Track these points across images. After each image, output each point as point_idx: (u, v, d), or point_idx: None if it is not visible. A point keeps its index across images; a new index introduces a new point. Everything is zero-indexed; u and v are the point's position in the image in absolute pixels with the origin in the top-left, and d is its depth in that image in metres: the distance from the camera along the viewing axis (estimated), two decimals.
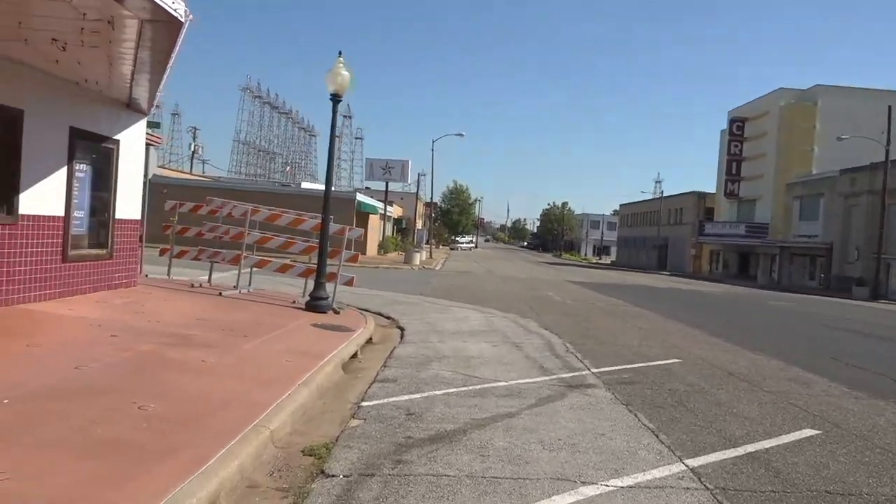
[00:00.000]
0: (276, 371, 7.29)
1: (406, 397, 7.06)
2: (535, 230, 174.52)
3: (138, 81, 9.42)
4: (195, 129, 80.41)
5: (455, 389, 7.55)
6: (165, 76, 8.98)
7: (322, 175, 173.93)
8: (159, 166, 52.75)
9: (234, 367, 7.22)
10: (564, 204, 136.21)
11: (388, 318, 13.98)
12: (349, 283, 13.56)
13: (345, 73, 12.69)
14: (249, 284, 15.41)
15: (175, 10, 5.91)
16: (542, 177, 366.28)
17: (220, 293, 13.16)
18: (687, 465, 5.32)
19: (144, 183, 16.99)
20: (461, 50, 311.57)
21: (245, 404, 5.75)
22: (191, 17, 6.19)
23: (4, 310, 8.63)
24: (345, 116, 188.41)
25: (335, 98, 12.78)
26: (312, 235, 14.53)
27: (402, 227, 65.88)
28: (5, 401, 4.99)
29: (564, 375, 8.68)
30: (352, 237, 13.50)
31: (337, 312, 12.74)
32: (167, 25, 6.27)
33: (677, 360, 10.39)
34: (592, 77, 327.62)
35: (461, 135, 60.42)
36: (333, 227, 13.66)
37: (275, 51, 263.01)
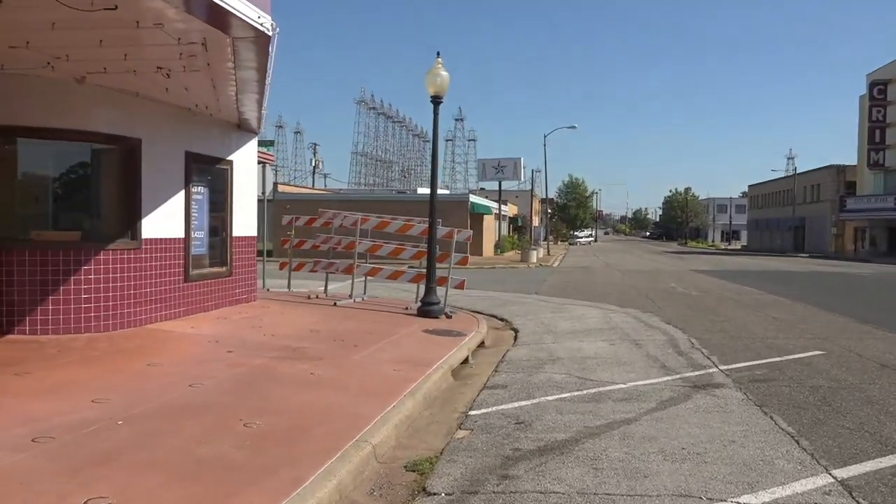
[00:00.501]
0: (382, 381, 7.20)
1: (516, 404, 6.74)
2: (658, 219, 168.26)
3: (243, 101, 9.69)
4: (315, 145, 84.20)
5: (568, 394, 7.15)
6: (266, 93, 9.17)
7: (439, 180, 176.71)
8: (282, 183, 55.39)
9: (341, 379, 7.20)
10: (687, 189, 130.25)
11: (501, 319, 13.71)
12: (460, 286, 13.38)
13: (444, 73, 12.55)
14: (364, 293, 15.63)
15: (261, 25, 5.93)
16: (662, 163, 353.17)
17: (335, 303, 13.38)
18: (834, 477, 4.66)
19: (261, 200, 17.72)
20: (570, 41, 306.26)
21: (349, 417, 5.65)
22: (277, 29, 6.20)
23: (132, 330, 9.12)
24: (456, 119, 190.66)
25: (435, 100, 12.66)
26: (422, 240, 14.46)
27: (519, 226, 65.33)
28: (119, 422, 5.15)
29: (689, 374, 8.03)
30: (460, 239, 13.33)
31: (449, 317, 12.60)
32: (256, 41, 6.31)
33: (820, 353, 9.40)
34: (708, 45, 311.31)
35: (573, 127, 59.03)
36: (442, 231, 13.56)
37: (385, 59, 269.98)
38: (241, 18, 5.64)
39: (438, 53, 12.63)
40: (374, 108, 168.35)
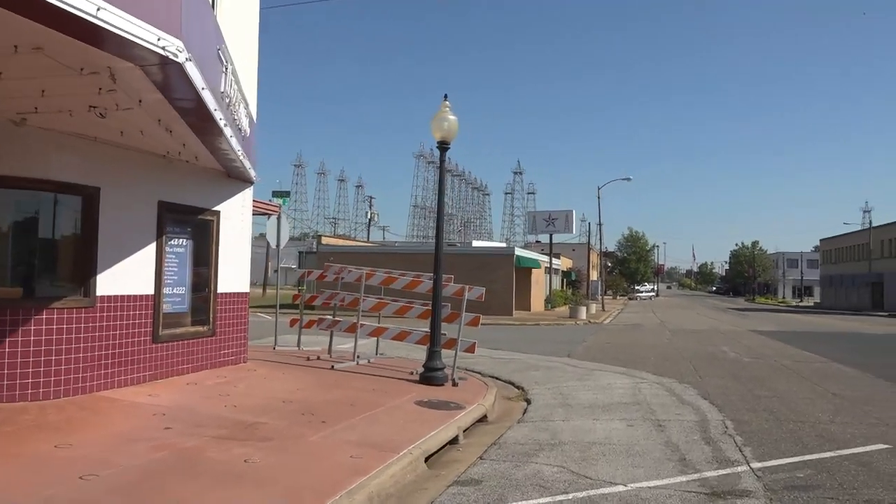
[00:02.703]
0: (326, 473, 5.96)
1: None
2: (724, 273, 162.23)
3: (217, 147, 8.83)
4: (370, 198, 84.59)
5: (548, 499, 5.72)
6: (235, 138, 8.29)
7: (497, 233, 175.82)
8: (329, 235, 55.36)
9: (276, 470, 5.98)
10: (755, 243, 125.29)
11: (518, 387, 12.28)
12: (470, 349, 12.05)
13: (451, 117, 11.54)
14: (377, 353, 14.48)
15: (162, 49, 4.98)
16: (728, 216, 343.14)
17: (333, 366, 12.24)
18: None
19: (276, 247, 16.93)
20: (630, 98, 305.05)
21: None
22: (188, 56, 5.25)
23: (75, 399, 8.16)
24: (515, 172, 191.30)
25: (442, 146, 11.63)
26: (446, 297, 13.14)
27: (573, 280, 63.30)
28: None
29: (710, 474, 6.47)
30: (471, 297, 12.05)
31: (455, 384, 11.28)
32: (163, 69, 5.38)
33: (884, 447, 7.65)
34: (778, 97, 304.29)
35: (628, 179, 57.53)
36: (451, 289, 12.35)
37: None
38: (128, 40, 4.70)
39: (446, 96, 11.66)
40: (432, 161, 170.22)
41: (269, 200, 15.86)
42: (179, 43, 5.14)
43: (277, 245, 16.79)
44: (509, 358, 16.11)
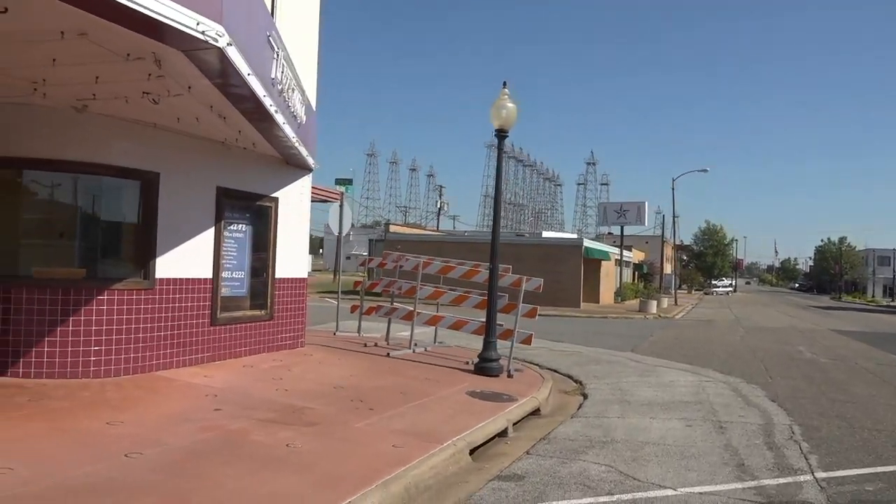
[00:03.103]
0: (365, 462, 5.90)
1: None
2: (808, 270, 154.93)
3: (268, 132, 8.89)
4: (441, 187, 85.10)
5: (590, 500, 5.49)
6: (284, 124, 8.31)
7: (569, 224, 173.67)
8: (397, 223, 55.77)
9: (317, 456, 5.97)
10: (842, 239, 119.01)
11: (576, 381, 11.98)
12: (526, 340, 11.81)
13: (510, 105, 11.29)
14: (435, 341, 14.42)
15: (202, 33, 4.98)
16: (814, 210, 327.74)
17: (389, 353, 12.23)
18: None
19: (339, 237, 17.09)
20: (724, 82, 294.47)
21: None
22: (229, 41, 5.23)
23: (134, 377, 8.41)
24: (588, 163, 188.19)
25: (500, 134, 11.41)
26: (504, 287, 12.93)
27: (644, 273, 61.71)
28: None
29: (768, 482, 6.07)
30: (529, 288, 11.78)
31: (510, 375, 11.09)
32: (207, 54, 5.38)
33: None
34: (865, 92, 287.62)
35: (705, 170, 55.31)
36: (509, 279, 12.14)
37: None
38: (167, 24, 4.71)
39: (505, 83, 11.40)
40: (504, 151, 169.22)
41: (332, 187, 16.00)
42: (220, 27, 5.12)
43: (340, 231, 16.95)
44: (570, 351, 15.75)
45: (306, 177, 11.95)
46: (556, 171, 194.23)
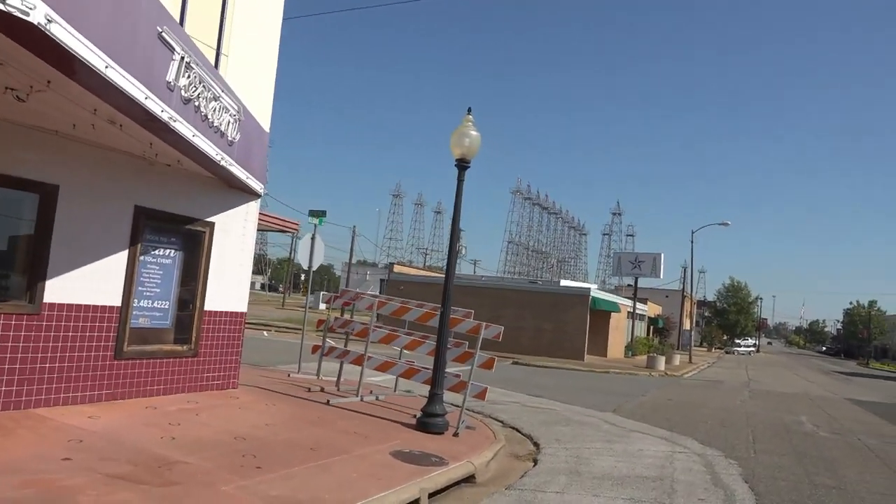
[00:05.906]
0: None
1: None
2: (836, 333, 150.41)
3: (179, 146, 8.00)
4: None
5: None
6: (193, 136, 7.43)
7: (592, 274, 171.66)
8: (401, 263, 54.79)
9: None
10: (872, 303, 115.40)
11: (535, 443, 10.73)
12: (480, 395, 10.65)
13: (473, 133, 10.39)
14: (395, 389, 13.32)
15: (2, 2, 4.10)
16: (843, 273, 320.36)
17: (329, 401, 11.11)
18: None
19: (309, 271, 16.14)
20: (740, 138, 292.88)
21: None
22: (48, 14, 4.35)
23: (3, 414, 7.40)
24: (614, 213, 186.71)
25: (461, 163, 10.46)
26: (461, 334, 11.86)
27: (660, 327, 59.75)
28: None
29: None
30: (488, 336, 10.68)
31: (457, 434, 9.92)
32: (30, 32, 4.50)
33: None
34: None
35: (726, 224, 53.86)
36: (466, 325, 11.05)
37: (545, 155, 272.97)
38: None
39: (469, 110, 10.52)
40: (529, 198, 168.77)
41: (290, 218, 15.14)
42: (47, 11, 4.27)
43: (310, 266, 16.03)
44: (544, 407, 14.46)
45: (252, 202, 11.06)
46: (582, 220, 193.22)
